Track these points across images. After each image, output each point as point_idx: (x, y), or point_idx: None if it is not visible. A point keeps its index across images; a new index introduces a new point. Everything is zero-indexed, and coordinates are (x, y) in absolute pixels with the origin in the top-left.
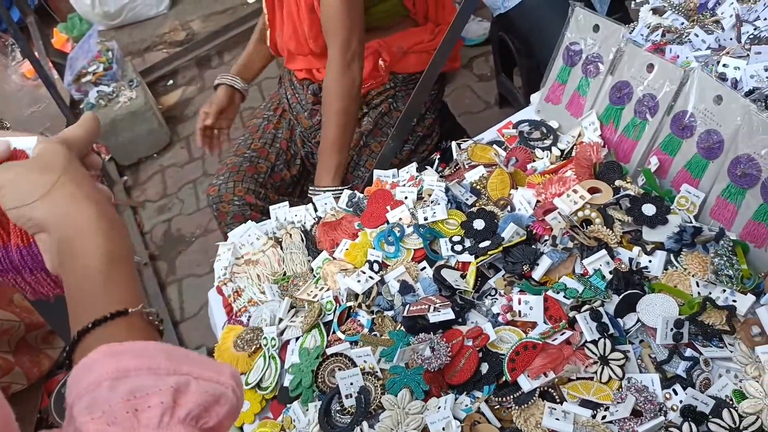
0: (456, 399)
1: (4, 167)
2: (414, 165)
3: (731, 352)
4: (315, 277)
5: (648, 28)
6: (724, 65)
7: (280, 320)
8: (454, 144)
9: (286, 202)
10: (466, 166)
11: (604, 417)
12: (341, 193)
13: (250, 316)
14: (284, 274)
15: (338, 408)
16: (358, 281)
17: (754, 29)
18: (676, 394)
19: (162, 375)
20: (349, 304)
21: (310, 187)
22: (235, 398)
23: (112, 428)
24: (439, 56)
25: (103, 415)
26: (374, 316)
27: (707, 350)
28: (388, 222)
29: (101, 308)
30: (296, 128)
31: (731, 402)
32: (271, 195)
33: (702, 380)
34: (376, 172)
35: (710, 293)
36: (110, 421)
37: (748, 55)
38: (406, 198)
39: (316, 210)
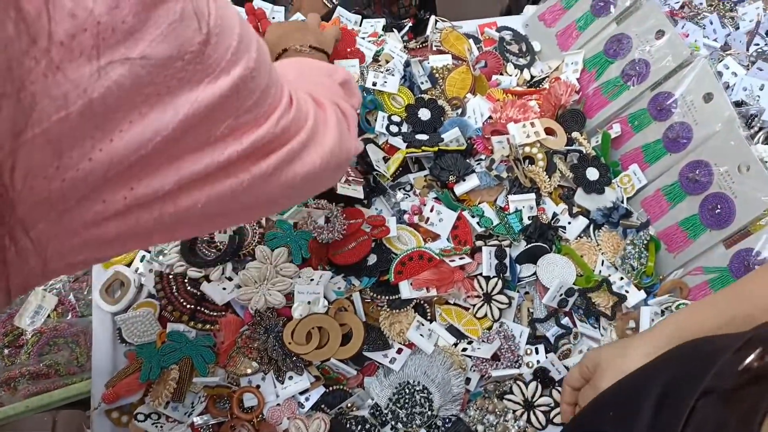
0: (332, 278)
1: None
2: (382, 21)
3: (602, 335)
4: None
5: None
6: (725, 65)
7: None
8: (432, 19)
9: None
10: (434, 48)
11: (464, 349)
12: None
13: None
14: None
15: (207, 239)
16: None
17: (765, 44)
18: (537, 353)
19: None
20: None
21: None
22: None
23: None
24: None
25: None
26: None
27: (582, 326)
28: None
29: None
30: None
31: None
32: None
33: (564, 350)
34: (340, 10)
35: (609, 276)
36: None
37: (749, 66)
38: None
39: None
